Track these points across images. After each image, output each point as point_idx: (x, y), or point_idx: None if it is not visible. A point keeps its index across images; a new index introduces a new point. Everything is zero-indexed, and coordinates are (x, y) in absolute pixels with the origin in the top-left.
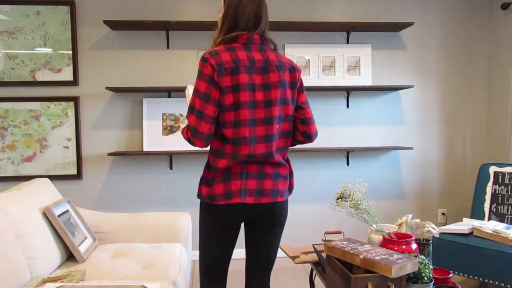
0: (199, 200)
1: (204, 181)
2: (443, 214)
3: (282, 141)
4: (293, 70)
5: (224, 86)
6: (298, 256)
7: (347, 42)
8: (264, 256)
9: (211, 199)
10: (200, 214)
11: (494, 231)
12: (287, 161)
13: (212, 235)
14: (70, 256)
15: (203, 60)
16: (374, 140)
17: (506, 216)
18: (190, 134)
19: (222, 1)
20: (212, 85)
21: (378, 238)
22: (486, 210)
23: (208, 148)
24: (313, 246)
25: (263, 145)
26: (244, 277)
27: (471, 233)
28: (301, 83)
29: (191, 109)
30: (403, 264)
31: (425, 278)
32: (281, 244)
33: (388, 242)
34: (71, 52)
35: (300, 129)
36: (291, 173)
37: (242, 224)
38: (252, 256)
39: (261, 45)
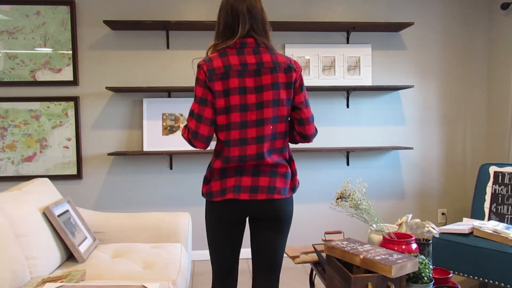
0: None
1: (205, 180)
2: (443, 214)
3: (279, 141)
4: (289, 70)
5: (215, 90)
6: (298, 256)
7: (347, 42)
8: (266, 257)
9: (209, 196)
10: (205, 213)
11: (494, 231)
12: (290, 160)
13: (215, 232)
14: (70, 256)
15: (198, 67)
16: (374, 140)
17: (506, 216)
18: (191, 136)
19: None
20: (207, 90)
21: (378, 238)
22: (486, 210)
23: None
24: (313, 246)
25: (254, 147)
26: (250, 278)
27: (471, 233)
28: (300, 83)
29: (192, 113)
30: (403, 264)
31: (425, 278)
32: None
33: (388, 242)
34: (71, 52)
35: (297, 129)
36: (294, 172)
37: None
38: (255, 257)
39: (255, 48)
